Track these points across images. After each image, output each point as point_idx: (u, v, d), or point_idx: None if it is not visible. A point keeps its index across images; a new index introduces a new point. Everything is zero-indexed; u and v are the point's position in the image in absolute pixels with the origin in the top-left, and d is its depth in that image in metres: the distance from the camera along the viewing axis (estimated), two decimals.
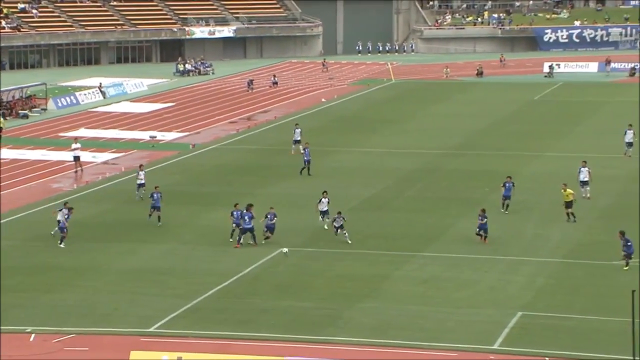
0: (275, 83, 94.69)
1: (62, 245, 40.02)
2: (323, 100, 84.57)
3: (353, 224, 41.30)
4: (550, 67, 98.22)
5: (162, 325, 31.61)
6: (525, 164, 56.58)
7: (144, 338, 30.33)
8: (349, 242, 39.83)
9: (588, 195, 46.88)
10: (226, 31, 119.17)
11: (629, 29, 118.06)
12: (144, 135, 68.89)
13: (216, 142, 65.65)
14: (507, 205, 44.80)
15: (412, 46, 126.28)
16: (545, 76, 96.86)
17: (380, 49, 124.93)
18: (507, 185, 44.86)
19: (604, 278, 36.11)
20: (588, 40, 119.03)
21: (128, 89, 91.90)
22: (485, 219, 40.17)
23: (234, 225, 40.51)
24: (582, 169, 47.32)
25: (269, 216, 40.30)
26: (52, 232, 41.11)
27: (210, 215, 45.65)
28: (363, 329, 31.33)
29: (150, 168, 55.35)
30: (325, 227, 41.95)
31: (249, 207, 40.25)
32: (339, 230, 40.35)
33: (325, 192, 42.82)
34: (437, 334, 30.96)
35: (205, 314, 32.81)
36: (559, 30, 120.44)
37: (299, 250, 39.67)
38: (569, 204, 42.85)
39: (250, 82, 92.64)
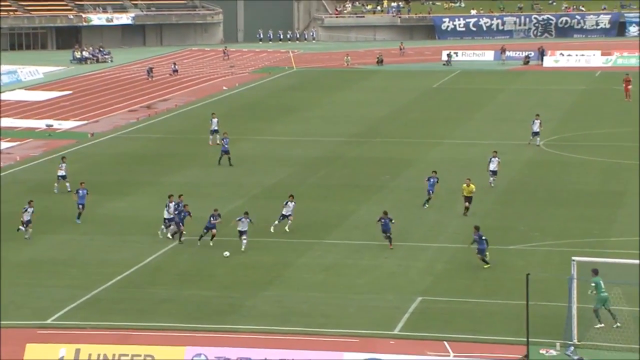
0: (176, 71, 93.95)
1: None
2: (224, 88, 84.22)
3: (256, 212, 41.27)
4: (449, 55, 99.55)
5: (60, 317, 31.21)
6: (426, 151, 57.28)
7: (40, 330, 29.90)
8: (243, 249, 37.79)
9: (493, 184, 47.44)
10: (124, 18, 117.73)
11: (522, 18, 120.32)
12: (40, 123, 67.72)
13: (116, 131, 64.91)
14: (429, 199, 44.31)
15: (313, 34, 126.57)
16: (444, 64, 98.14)
17: (282, 37, 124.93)
18: (431, 180, 44.42)
19: (500, 262, 36.79)
20: (484, 29, 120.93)
21: (22, 77, 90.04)
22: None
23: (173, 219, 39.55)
24: (493, 158, 47.90)
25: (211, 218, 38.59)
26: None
27: (110, 205, 45.16)
28: (266, 317, 31.40)
29: (48, 157, 54.43)
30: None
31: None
32: (242, 236, 38.00)
33: (291, 195, 41.18)
34: (339, 320, 31.22)
35: (105, 304, 32.49)
36: (457, 19, 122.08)
37: (203, 240, 39.51)
38: (468, 199, 42.79)
39: (150, 70, 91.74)
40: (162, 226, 39.90)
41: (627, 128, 62.41)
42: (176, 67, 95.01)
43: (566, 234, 39.79)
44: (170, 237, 39.36)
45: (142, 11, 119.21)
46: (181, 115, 70.86)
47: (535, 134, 57.03)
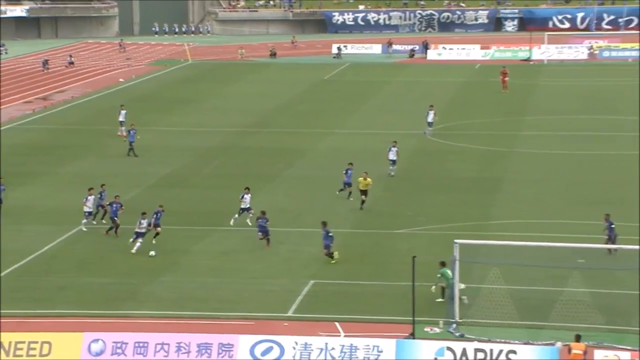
0: (72, 63, 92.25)
1: None
2: (121, 80, 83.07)
3: (151, 201, 40.91)
4: (339, 48, 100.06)
5: None
6: (317, 140, 57.53)
7: None
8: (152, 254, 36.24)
9: (393, 173, 47.68)
10: (18, 10, 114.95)
11: (407, 13, 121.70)
12: None
13: (11, 122, 63.45)
14: (350, 192, 43.23)
15: (207, 28, 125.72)
16: (334, 57, 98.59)
17: (177, 30, 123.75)
18: (348, 172, 43.80)
19: (387, 246, 37.30)
20: (372, 23, 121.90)
21: None
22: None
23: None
24: (392, 148, 48.16)
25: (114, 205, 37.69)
26: None
27: (5, 195, 44.12)
28: (163, 302, 31.21)
29: None
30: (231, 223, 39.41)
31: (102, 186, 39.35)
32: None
33: (247, 187, 40.12)
34: (234, 304, 31.23)
35: (2, 293, 31.77)
36: (346, 14, 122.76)
37: (99, 228, 39.00)
38: (364, 192, 41.94)
39: (46, 62, 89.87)
40: (84, 220, 39.10)
41: (503, 117, 63.79)
42: (72, 59, 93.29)
43: (449, 218, 40.49)
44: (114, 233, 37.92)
45: (36, 4, 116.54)
46: (77, 107, 69.66)
47: (430, 124, 57.69)
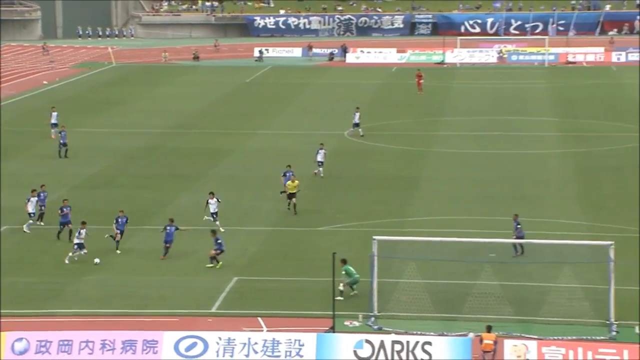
0: None
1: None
2: (45, 82, 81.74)
3: (77, 201, 40.34)
4: (260, 52, 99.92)
5: None
6: (241, 141, 57.39)
7: None
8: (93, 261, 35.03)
9: (322, 175, 47.57)
10: None
11: (326, 18, 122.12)
12: None
13: None
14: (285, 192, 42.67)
15: (131, 31, 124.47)
16: (256, 60, 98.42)
17: (100, 33, 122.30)
18: (287, 174, 42.95)
19: (309, 243, 37.40)
20: (292, 27, 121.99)
21: None
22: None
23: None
24: (320, 150, 48.04)
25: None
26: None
27: None
28: (88, 301, 30.84)
29: None
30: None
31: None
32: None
33: (211, 192, 39.02)
34: (160, 301, 31.00)
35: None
36: (267, 18, 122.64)
37: (43, 229, 38.35)
38: (292, 195, 41.09)
39: None
40: (30, 221, 38.34)
41: (419, 118, 64.42)
42: None
43: (368, 216, 40.75)
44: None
45: None
46: (2, 109, 68.29)
47: (356, 125, 57.91)
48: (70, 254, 34.53)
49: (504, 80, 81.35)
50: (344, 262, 31.01)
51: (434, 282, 31.23)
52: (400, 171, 49.67)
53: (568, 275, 29.75)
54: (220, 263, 34.13)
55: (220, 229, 37.78)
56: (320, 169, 47.49)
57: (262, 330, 28.26)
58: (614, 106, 67.15)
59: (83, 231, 34.60)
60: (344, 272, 31.00)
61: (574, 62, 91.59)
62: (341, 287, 30.88)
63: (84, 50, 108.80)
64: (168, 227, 35.47)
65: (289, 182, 41.48)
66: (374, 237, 30.17)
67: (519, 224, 34.91)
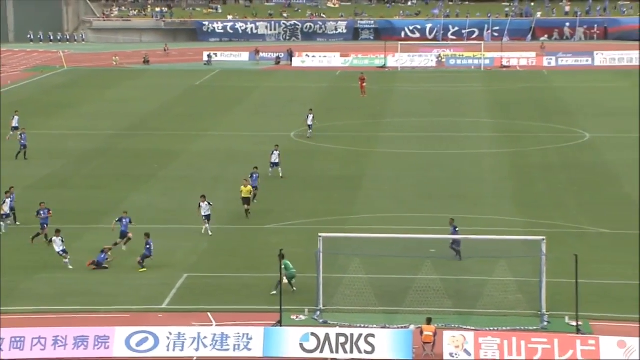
0: None
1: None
2: None
3: (30, 202, 39.86)
4: (209, 56, 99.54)
5: None
6: (191, 142, 57.15)
7: None
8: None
9: (281, 174, 47.20)
10: None
11: (273, 23, 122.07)
12: None
13: None
14: (255, 195, 41.66)
15: (82, 36, 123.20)
16: (205, 64, 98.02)
17: (52, 38, 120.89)
18: (254, 176, 42.45)
19: (257, 240, 37.37)
20: (240, 32, 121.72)
21: None
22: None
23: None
24: (275, 151, 47.81)
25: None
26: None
27: None
28: (41, 298, 30.49)
29: None
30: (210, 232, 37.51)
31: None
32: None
33: (203, 196, 38.11)
34: (112, 298, 30.78)
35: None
36: (216, 23, 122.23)
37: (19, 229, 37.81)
38: (246, 200, 40.04)
39: None
40: (8, 222, 37.72)
41: (363, 120, 64.69)
42: None
43: (314, 214, 40.86)
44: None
45: None
46: None
47: (310, 126, 57.84)
48: (65, 260, 33.45)
49: (443, 84, 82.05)
50: (282, 257, 31.02)
51: (377, 277, 31.42)
52: (345, 171, 49.85)
53: (503, 269, 30.12)
54: (145, 269, 33.25)
55: (209, 232, 37.13)
56: (279, 169, 47.00)
57: (212, 325, 28.20)
58: (545, 108, 68.10)
59: (59, 239, 33.48)
60: (283, 267, 31.02)
61: (508, 66, 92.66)
62: (286, 280, 30.93)
63: (35, 54, 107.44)
64: (124, 219, 35.38)
65: (242, 187, 40.08)
66: (320, 234, 30.23)
67: (456, 228, 34.13)
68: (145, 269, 33.38)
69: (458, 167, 50.54)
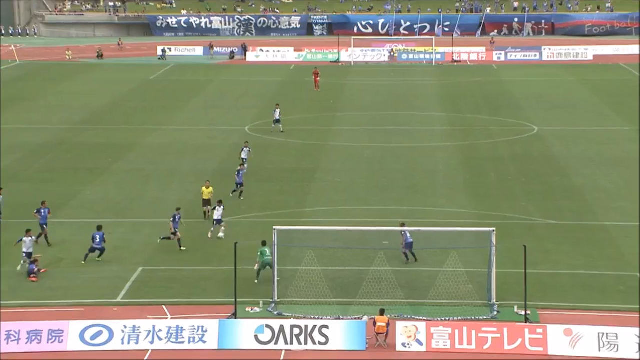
0: None
1: None
2: None
3: None
4: (163, 50, 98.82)
5: None
6: (145, 136, 56.70)
7: None
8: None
9: (245, 170, 46.42)
10: None
11: (227, 18, 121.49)
12: None
13: None
14: (242, 192, 41.39)
15: (35, 30, 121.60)
16: (159, 58, 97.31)
17: (3, 32, 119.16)
18: (240, 172, 41.71)
19: (213, 233, 37.18)
20: (194, 27, 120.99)
21: None
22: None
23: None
24: (245, 148, 47.30)
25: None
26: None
27: None
28: None
29: None
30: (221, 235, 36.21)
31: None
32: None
33: (220, 201, 36.96)
34: (66, 291, 30.48)
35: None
36: (170, 18, 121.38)
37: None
38: (207, 202, 38.69)
39: None
40: None
41: (317, 114, 64.67)
42: None
43: (269, 206, 40.80)
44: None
45: None
46: None
47: (277, 121, 57.51)
48: (22, 262, 32.58)
49: (395, 78, 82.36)
50: (264, 244, 30.81)
51: (330, 269, 31.49)
52: (299, 164, 49.83)
53: (454, 260, 30.36)
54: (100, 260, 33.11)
55: (220, 234, 35.94)
56: (245, 166, 46.23)
57: (167, 318, 28.05)
58: (495, 102, 68.68)
59: (29, 240, 32.56)
60: (259, 253, 30.96)
61: (459, 61, 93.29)
62: (256, 267, 30.79)
63: None
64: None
65: (203, 189, 38.74)
66: (274, 227, 30.24)
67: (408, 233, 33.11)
68: (100, 260, 33.13)
69: (411, 159, 50.78)
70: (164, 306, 29.25)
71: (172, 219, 34.89)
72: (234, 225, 38.27)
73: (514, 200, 42.10)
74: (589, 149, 52.54)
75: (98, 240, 33.45)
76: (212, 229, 36.38)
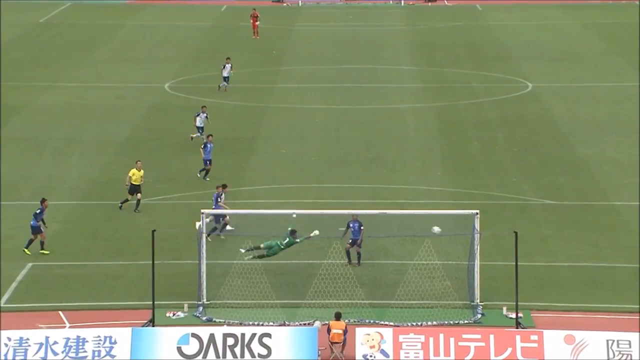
0: None
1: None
2: None
3: None
4: None
5: None
6: (36, 95, 56.25)
7: None
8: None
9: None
10: None
11: None
12: None
13: None
14: (207, 172, 41.39)
15: None
16: None
17: None
18: (207, 146, 41.48)
19: (123, 219, 37.12)
20: None
21: None
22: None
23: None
24: (201, 114, 46.56)
25: None
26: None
27: None
28: None
29: None
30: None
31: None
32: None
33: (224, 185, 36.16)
34: None
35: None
36: None
37: None
38: (135, 188, 37.62)
39: None
40: None
41: (256, 68, 64.52)
42: None
43: (196, 185, 40.76)
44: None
45: None
46: None
47: (225, 78, 57.10)
48: None
49: (355, 22, 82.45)
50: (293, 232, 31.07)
51: (273, 262, 31.60)
52: (234, 131, 49.79)
53: (428, 250, 30.57)
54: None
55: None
56: (209, 137, 45.13)
57: (65, 327, 27.98)
58: (480, 52, 69.14)
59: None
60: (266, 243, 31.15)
61: (435, 0, 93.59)
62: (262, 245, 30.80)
63: None
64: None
65: (134, 170, 37.77)
66: (203, 210, 30.21)
67: (361, 225, 32.51)
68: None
69: (375, 125, 50.96)
70: (60, 312, 29.14)
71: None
72: (152, 208, 38.17)
73: (503, 176, 42.48)
74: (596, 111, 53.16)
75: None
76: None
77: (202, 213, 30.17)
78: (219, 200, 34.88)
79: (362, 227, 32.35)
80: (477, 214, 29.77)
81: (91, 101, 55.26)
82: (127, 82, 59.72)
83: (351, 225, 32.46)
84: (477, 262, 29.59)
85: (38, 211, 33.81)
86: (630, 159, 44.61)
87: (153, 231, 28.99)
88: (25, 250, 33.54)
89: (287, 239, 31.28)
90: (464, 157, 45.40)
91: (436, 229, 30.11)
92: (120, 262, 32.95)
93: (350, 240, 32.51)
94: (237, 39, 74.98)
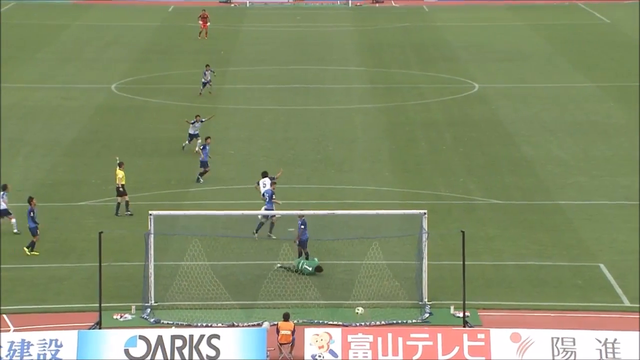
0: None
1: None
2: None
3: None
4: None
5: None
6: None
7: None
8: None
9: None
10: None
11: None
12: None
13: None
14: (202, 173, 41.07)
15: None
16: None
17: None
18: (205, 148, 41.27)
19: (69, 221, 36.96)
20: None
21: None
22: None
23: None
24: (195, 123, 45.81)
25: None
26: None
27: None
28: None
29: None
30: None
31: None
32: None
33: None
34: None
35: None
36: None
37: None
38: (121, 190, 37.48)
39: None
40: None
41: (202, 69, 64.04)
42: None
43: (142, 186, 40.58)
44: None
45: None
46: None
47: (205, 84, 56.35)
48: None
49: (302, 23, 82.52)
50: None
51: (222, 263, 31.55)
52: (181, 132, 49.48)
53: (376, 251, 30.68)
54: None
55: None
56: (207, 140, 44.30)
57: (9, 331, 27.73)
58: (427, 53, 69.46)
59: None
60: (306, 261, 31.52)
61: (382, 1, 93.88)
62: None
63: None
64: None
65: (117, 170, 37.37)
66: (150, 211, 30.10)
67: (303, 224, 32.52)
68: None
69: (323, 126, 51.04)
70: (4, 315, 28.87)
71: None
72: (98, 210, 37.99)
73: (450, 176, 42.72)
74: (542, 112, 53.62)
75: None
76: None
77: (150, 214, 30.04)
78: (272, 196, 34.84)
79: (303, 225, 32.29)
80: (425, 213, 29.92)
81: (36, 102, 54.88)
82: (73, 83, 59.37)
83: (300, 225, 32.49)
84: (425, 262, 29.75)
85: (30, 211, 33.56)
86: (574, 158, 45.10)
87: (100, 233, 28.87)
88: (34, 252, 33.45)
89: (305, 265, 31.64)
90: (412, 157, 45.62)
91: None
92: (67, 265, 32.74)
93: (298, 240, 32.52)
94: (184, 39, 74.77)
